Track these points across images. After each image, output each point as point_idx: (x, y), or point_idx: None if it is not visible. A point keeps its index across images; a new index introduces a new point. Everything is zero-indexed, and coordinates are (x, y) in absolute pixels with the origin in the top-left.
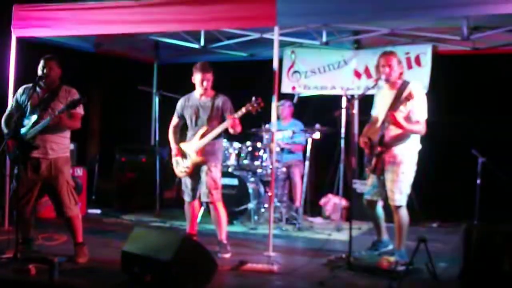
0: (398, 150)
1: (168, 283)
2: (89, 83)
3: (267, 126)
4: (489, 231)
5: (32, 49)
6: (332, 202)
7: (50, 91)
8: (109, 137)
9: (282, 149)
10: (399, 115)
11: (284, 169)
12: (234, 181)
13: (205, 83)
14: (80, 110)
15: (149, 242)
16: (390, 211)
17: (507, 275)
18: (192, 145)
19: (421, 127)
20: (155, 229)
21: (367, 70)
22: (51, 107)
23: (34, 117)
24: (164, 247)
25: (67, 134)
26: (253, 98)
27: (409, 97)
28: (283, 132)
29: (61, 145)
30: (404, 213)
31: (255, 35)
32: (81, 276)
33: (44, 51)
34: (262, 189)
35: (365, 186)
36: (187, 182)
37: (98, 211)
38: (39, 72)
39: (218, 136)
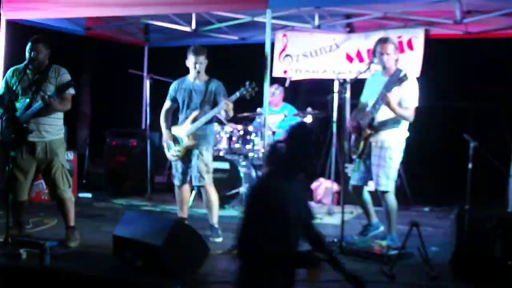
0: (386, 135)
1: (160, 268)
2: (79, 66)
3: (259, 110)
4: (481, 216)
5: (22, 31)
6: (324, 186)
7: (39, 72)
8: (99, 121)
9: (273, 133)
10: (392, 97)
11: None
12: (226, 165)
13: (197, 66)
14: (70, 91)
15: (140, 227)
16: (378, 195)
17: (498, 260)
18: (184, 129)
19: (410, 114)
20: (146, 213)
21: (359, 54)
22: (42, 90)
23: (26, 101)
24: (156, 232)
25: (60, 115)
26: (247, 83)
27: (404, 78)
28: (275, 116)
29: (55, 127)
30: (391, 199)
31: (247, 18)
32: (72, 261)
33: (34, 34)
34: (253, 173)
35: (351, 172)
36: (177, 166)
37: (89, 195)
38: (27, 55)
39: (210, 121)
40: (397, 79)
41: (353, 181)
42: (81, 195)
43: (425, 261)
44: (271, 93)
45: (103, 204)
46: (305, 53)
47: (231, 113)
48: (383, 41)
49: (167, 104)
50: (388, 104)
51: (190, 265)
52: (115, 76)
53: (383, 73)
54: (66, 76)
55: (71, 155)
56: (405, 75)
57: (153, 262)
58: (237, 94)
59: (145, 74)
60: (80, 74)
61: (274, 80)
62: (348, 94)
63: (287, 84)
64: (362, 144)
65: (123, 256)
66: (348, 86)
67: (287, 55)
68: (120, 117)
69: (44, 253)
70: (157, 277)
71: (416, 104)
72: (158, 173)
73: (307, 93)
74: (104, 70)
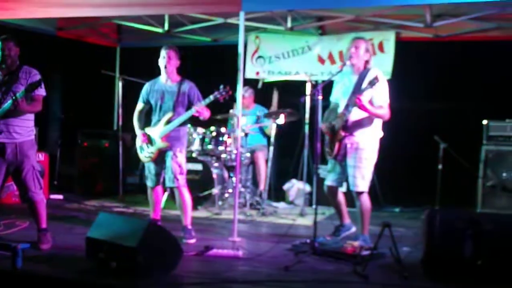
0: (361, 136)
1: (133, 269)
2: (50, 67)
3: (231, 111)
4: (452, 216)
5: None
6: (296, 187)
7: (10, 73)
8: (70, 122)
9: (246, 134)
10: (365, 99)
11: (248, 154)
12: (198, 166)
13: (164, 60)
14: (41, 91)
15: (114, 228)
16: (352, 196)
17: (469, 260)
18: (157, 131)
19: (385, 112)
20: (120, 215)
21: (330, 56)
22: (12, 90)
23: None
24: (130, 233)
25: (31, 116)
26: (221, 86)
27: (375, 81)
28: (247, 117)
29: (26, 128)
30: (366, 199)
31: (219, 20)
32: (45, 263)
33: (4, 33)
34: (226, 174)
35: (325, 173)
36: (150, 168)
37: (60, 197)
38: None
39: (184, 122)
40: (368, 82)
41: (328, 182)
42: (52, 196)
43: (397, 261)
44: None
45: (75, 206)
46: (278, 54)
47: (207, 115)
48: (356, 37)
49: (140, 106)
50: (361, 107)
51: (164, 267)
52: (87, 76)
53: (352, 72)
54: (37, 77)
55: (42, 156)
56: (375, 78)
57: (127, 263)
58: (211, 97)
59: (117, 75)
60: (51, 74)
61: (246, 82)
62: (320, 96)
63: (259, 85)
64: (336, 146)
65: (96, 258)
66: (320, 88)
67: (259, 57)
68: (91, 118)
69: (16, 255)
70: (131, 279)
71: (388, 101)
72: (130, 174)
73: (279, 94)
74: (76, 70)
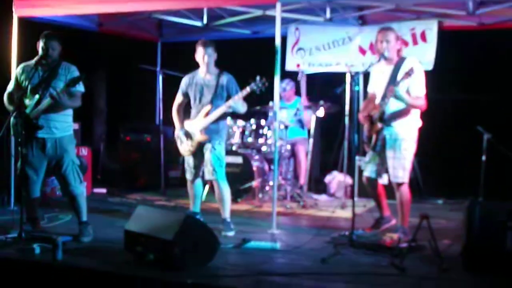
0: (399, 126)
1: (170, 262)
2: (92, 63)
3: (271, 103)
4: (492, 208)
5: (34, 28)
6: (337, 179)
7: (50, 69)
8: (114, 117)
9: (286, 127)
10: (401, 89)
11: (288, 147)
12: (239, 159)
13: (206, 57)
14: (80, 88)
15: (151, 221)
16: (392, 188)
17: (509, 253)
18: (196, 124)
19: (422, 102)
20: (157, 208)
21: (372, 47)
22: (52, 86)
23: (36, 97)
24: (167, 226)
25: (70, 112)
26: (258, 77)
27: (410, 72)
28: (288, 110)
29: (65, 124)
30: (406, 190)
31: (258, 12)
32: (84, 255)
33: (46, 31)
34: (266, 167)
35: (364, 164)
36: (190, 161)
37: (104, 190)
38: (40, 52)
39: (223, 115)
40: (404, 73)
41: (367, 173)
42: (96, 190)
43: (435, 253)
44: (282, 89)
45: (117, 199)
46: (318, 46)
47: (242, 109)
48: (383, 29)
49: (179, 98)
50: (396, 97)
51: (200, 259)
52: (129, 71)
53: (387, 63)
54: (76, 73)
55: (85, 151)
56: (411, 69)
57: (164, 256)
58: (248, 89)
59: (158, 69)
60: (95, 70)
61: (287, 74)
62: (360, 87)
63: (299, 77)
64: (374, 137)
65: (134, 251)
66: (361, 78)
67: (300, 49)
68: (134, 112)
69: (57, 247)
70: (168, 271)
71: (425, 91)
72: (172, 168)
73: (320, 86)
74: (119, 66)
